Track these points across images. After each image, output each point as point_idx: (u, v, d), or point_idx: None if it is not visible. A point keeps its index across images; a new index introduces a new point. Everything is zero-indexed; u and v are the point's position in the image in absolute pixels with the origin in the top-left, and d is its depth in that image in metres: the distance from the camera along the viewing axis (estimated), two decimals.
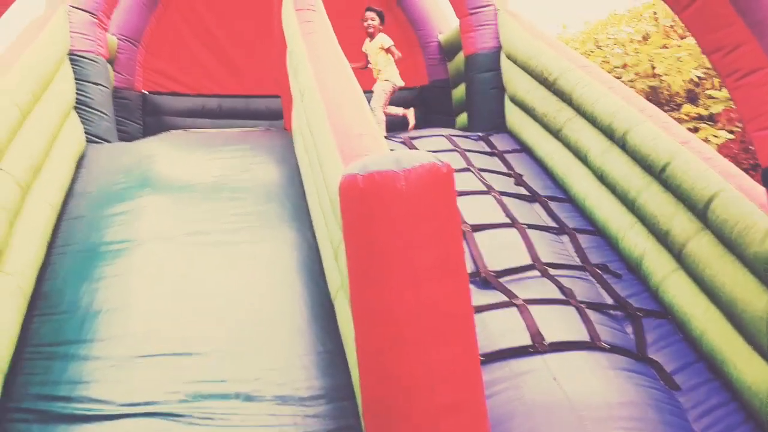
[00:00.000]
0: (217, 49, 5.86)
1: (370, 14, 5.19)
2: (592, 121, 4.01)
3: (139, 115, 5.56)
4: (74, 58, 4.61)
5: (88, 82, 4.67)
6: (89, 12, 4.73)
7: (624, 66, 7.51)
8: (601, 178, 3.91)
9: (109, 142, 4.74)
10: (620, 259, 3.67)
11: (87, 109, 4.64)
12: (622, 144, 3.70)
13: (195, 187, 3.89)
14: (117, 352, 2.69)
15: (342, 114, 2.83)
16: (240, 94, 5.92)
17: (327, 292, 3.07)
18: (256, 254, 3.32)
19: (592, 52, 8.14)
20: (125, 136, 5.20)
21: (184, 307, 2.94)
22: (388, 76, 5.16)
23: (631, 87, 7.19)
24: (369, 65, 5.19)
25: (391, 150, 4.30)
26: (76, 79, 4.60)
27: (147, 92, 5.67)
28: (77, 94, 4.61)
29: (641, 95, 7.03)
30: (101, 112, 4.74)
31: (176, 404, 2.45)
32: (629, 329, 3.18)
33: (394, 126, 5.53)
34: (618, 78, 7.31)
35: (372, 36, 5.21)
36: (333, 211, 2.54)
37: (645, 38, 7.74)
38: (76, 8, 4.69)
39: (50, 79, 4.09)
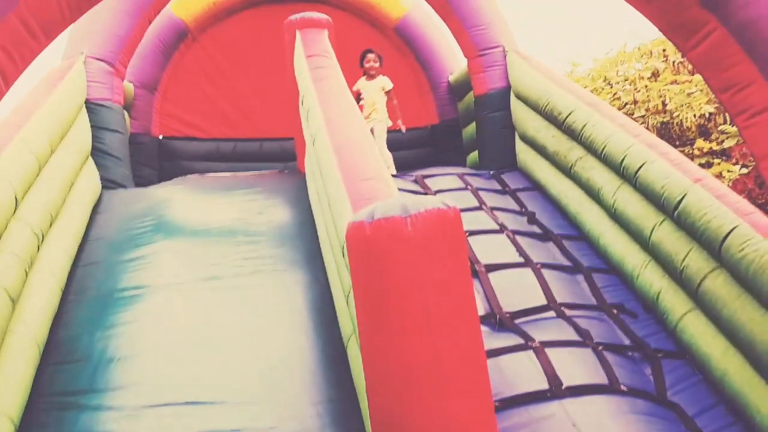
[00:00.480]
0: (231, 94, 5.99)
1: (372, 56, 5.37)
2: (603, 159, 4.01)
3: (155, 160, 5.65)
4: (91, 107, 4.72)
5: (105, 129, 4.77)
6: (106, 61, 4.86)
7: (635, 102, 7.54)
8: (615, 216, 3.88)
9: (125, 187, 4.80)
10: (636, 298, 3.61)
11: (103, 155, 4.73)
12: (634, 182, 3.69)
13: (210, 232, 3.91)
14: (130, 402, 2.67)
15: (352, 159, 2.85)
16: (254, 137, 6.01)
17: (340, 337, 3.04)
18: (270, 299, 3.32)
19: (602, 89, 8.19)
20: (141, 181, 5.28)
21: (198, 354, 2.92)
22: (384, 117, 5.31)
23: (642, 123, 7.20)
24: (360, 103, 5.30)
25: (400, 189, 4.32)
26: (92, 126, 4.70)
27: (163, 137, 5.78)
28: (94, 141, 4.71)
29: (652, 131, 7.05)
30: (117, 158, 4.82)
31: None
32: (648, 371, 3.11)
33: (407, 164, 5.57)
34: (629, 114, 7.34)
35: (372, 76, 5.37)
36: (343, 257, 2.54)
37: (655, 75, 7.78)
38: (94, 58, 4.82)
39: (68, 127, 4.19)
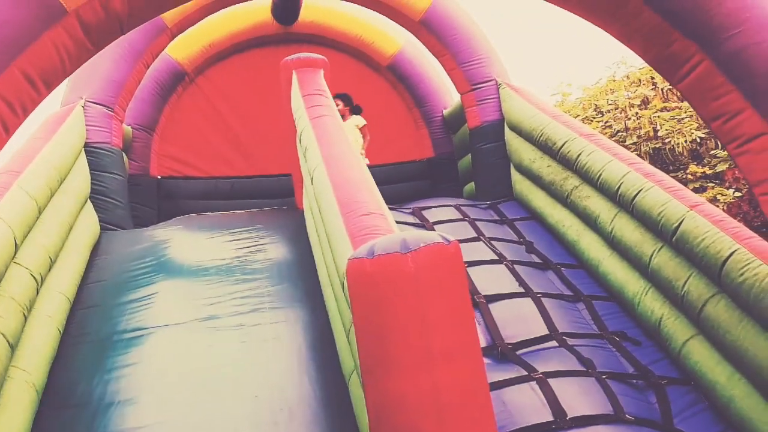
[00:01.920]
0: (228, 133, 6.06)
1: (335, 100, 5.52)
2: (599, 187, 4.04)
3: (154, 200, 5.68)
4: (90, 150, 4.78)
5: (104, 172, 4.81)
6: (105, 105, 4.93)
7: (626, 130, 7.64)
8: (613, 243, 3.90)
9: (123, 228, 4.82)
10: (638, 325, 3.60)
11: (102, 198, 4.77)
12: (631, 209, 3.71)
13: (208, 271, 3.91)
14: None
15: (350, 194, 2.87)
16: (251, 174, 6.05)
17: (341, 374, 3.02)
18: (269, 337, 3.30)
19: (593, 117, 8.30)
20: (140, 221, 5.30)
21: (198, 397, 2.90)
22: (361, 155, 5.42)
23: (635, 150, 7.29)
24: None
25: (398, 222, 4.33)
26: (91, 169, 4.74)
27: (161, 177, 5.82)
28: (93, 183, 4.74)
29: (645, 158, 7.13)
30: (116, 200, 4.85)
31: None
32: (653, 398, 3.08)
33: (404, 197, 5.60)
34: (621, 142, 7.43)
35: (344, 118, 5.45)
36: (343, 292, 2.54)
37: (645, 102, 7.91)
38: (93, 102, 4.89)
39: (66, 171, 4.22)
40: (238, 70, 6.09)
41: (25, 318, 3.08)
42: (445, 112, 6.23)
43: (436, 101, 6.27)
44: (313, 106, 4.14)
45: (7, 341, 2.80)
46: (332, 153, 3.43)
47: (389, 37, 6.21)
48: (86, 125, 4.80)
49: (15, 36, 1.71)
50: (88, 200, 4.64)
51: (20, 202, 3.38)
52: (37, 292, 3.32)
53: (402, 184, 6.06)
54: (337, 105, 5.38)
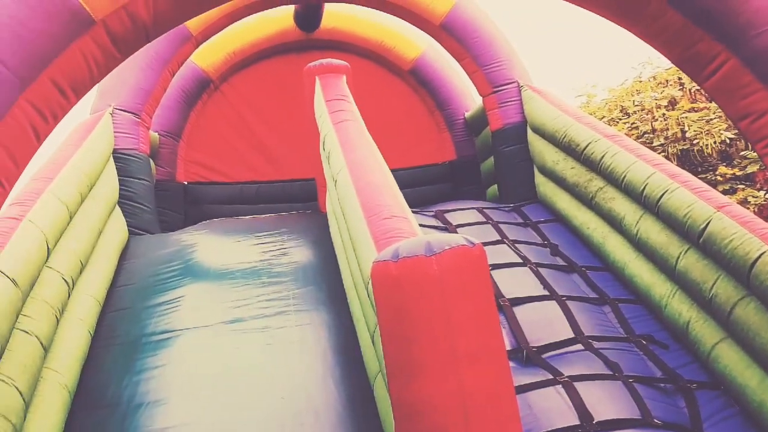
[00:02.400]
0: (253, 139, 6.13)
1: None
2: (624, 189, 4.00)
3: (181, 205, 5.77)
4: (118, 156, 4.88)
5: (132, 177, 4.91)
6: (132, 112, 5.04)
7: (653, 131, 7.54)
8: (638, 245, 3.85)
9: (151, 233, 4.91)
10: (665, 329, 3.55)
11: (130, 203, 4.86)
12: (656, 211, 3.67)
13: (234, 274, 3.97)
14: None
15: (373, 197, 2.89)
16: (276, 179, 6.12)
17: (366, 377, 3.04)
18: (294, 340, 3.33)
19: (620, 119, 8.20)
20: (167, 226, 5.39)
21: (225, 398, 2.94)
22: None
23: (662, 152, 7.18)
24: None
25: (421, 225, 4.36)
26: (120, 175, 4.84)
27: (187, 183, 5.91)
28: (121, 189, 4.84)
29: (672, 160, 7.02)
30: (144, 205, 4.94)
31: None
32: (681, 403, 3.03)
33: (426, 200, 5.60)
34: (648, 143, 7.33)
35: None
36: (368, 295, 2.55)
37: (672, 103, 7.79)
38: (121, 109, 5.00)
39: (96, 177, 4.32)
40: (261, 76, 6.16)
41: (58, 321, 3.16)
42: (467, 114, 6.23)
43: (457, 104, 6.26)
44: (336, 111, 4.17)
45: (41, 343, 2.87)
46: (355, 157, 3.46)
47: (410, 41, 6.23)
48: (114, 132, 4.90)
49: (45, 46, 1.77)
50: (117, 205, 4.74)
51: (52, 207, 3.47)
52: (69, 296, 3.41)
53: (424, 188, 6.06)
54: None
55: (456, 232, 4.37)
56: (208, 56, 5.93)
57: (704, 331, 3.25)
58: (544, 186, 5.01)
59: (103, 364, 3.29)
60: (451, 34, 5.43)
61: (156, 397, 2.98)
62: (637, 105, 8.11)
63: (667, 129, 7.39)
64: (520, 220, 4.77)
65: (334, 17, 6.13)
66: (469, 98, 6.30)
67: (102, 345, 3.44)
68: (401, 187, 3.09)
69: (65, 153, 4.05)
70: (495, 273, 3.78)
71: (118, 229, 4.58)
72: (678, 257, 3.46)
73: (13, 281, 2.74)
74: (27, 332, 2.80)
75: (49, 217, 3.37)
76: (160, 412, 2.89)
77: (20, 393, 2.56)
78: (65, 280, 3.36)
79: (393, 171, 3.33)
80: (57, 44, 1.78)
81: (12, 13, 1.72)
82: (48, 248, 3.25)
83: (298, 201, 5.87)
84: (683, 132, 7.28)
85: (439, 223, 4.67)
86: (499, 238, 4.33)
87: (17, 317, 2.75)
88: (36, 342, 2.83)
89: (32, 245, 3.07)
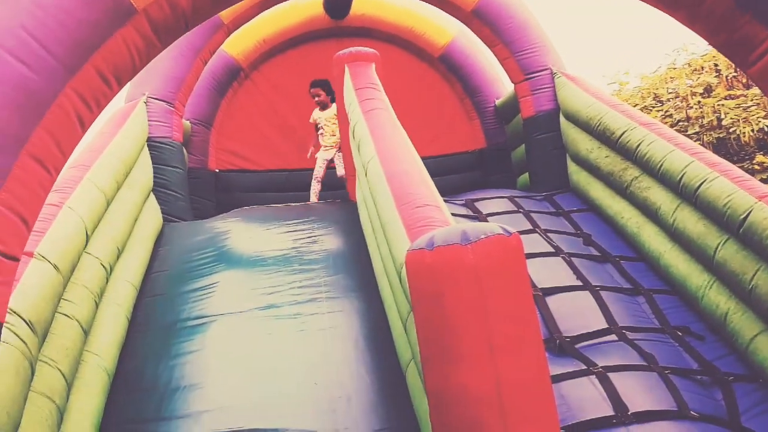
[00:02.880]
0: (282, 127, 6.16)
1: (314, 89, 5.52)
2: (660, 178, 3.92)
3: (212, 193, 5.84)
4: (152, 144, 4.95)
5: (165, 165, 4.98)
6: (166, 101, 5.10)
7: (687, 119, 7.37)
8: (674, 235, 3.78)
9: (184, 220, 4.98)
10: (701, 320, 3.49)
11: (164, 190, 4.93)
12: (694, 200, 3.59)
13: (266, 261, 4.01)
14: (196, 430, 2.74)
15: (404, 186, 2.89)
16: (305, 167, 6.14)
17: (398, 363, 3.05)
18: (326, 326, 3.36)
19: (653, 107, 8.03)
20: (199, 213, 5.46)
21: (259, 382, 2.98)
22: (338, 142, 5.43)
23: (697, 140, 7.02)
24: (320, 132, 5.51)
25: (452, 214, 4.32)
26: (154, 163, 4.91)
27: (219, 171, 5.97)
28: (155, 177, 4.92)
29: (708, 148, 6.86)
30: (177, 192, 5.02)
31: None
32: (718, 395, 2.98)
33: (455, 189, 5.56)
34: (682, 131, 7.16)
35: (324, 107, 5.51)
36: (400, 283, 2.56)
37: (707, 90, 7.59)
38: (155, 98, 5.07)
39: (131, 165, 4.39)
40: (291, 64, 6.18)
41: (97, 305, 3.23)
42: (498, 102, 6.16)
43: (488, 91, 6.20)
44: (366, 99, 4.17)
45: (81, 327, 2.94)
46: (386, 146, 3.45)
47: (440, 28, 6.18)
48: (149, 120, 4.97)
49: (90, 35, 1.79)
50: (152, 193, 4.82)
51: (90, 194, 3.54)
52: (107, 281, 3.48)
53: (454, 176, 6.04)
54: (318, 94, 5.49)
55: (486, 221, 4.34)
56: (239, 44, 5.97)
57: (743, 323, 3.19)
58: (578, 175, 4.94)
59: (140, 348, 3.36)
60: (482, 20, 5.37)
61: (192, 381, 3.04)
62: (671, 92, 7.93)
63: (703, 117, 7.22)
64: (553, 209, 4.72)
65: (364, 4, 6.10)
66: (500, 85, 6.23)
67: (138, 329, 3.51)
68: (431, 176, 3.08)
69: (102, 141, 4.12)
70: (527, 263, 3.72)
71: (153, 216, 4.66)
72: (716, 248, 3.38)
73: (55, 266, 2.80)
74: (68, 316, 2.87)
75: (87, 204, 3.44)
76: (196, 395, 2.95)
77: (63, 375, 2.63)
78: (103, 266, 3.44)
79: (422, 159, 3.32)
80: (101, 33, 1.80)
81: (57, 3, 1.75)
82: (87, 234, 3.32)
83: (327, 189, 5.89)
84: (719, 120, 7.10)
85: (470, 212, 4.64)
86: (531, 228, 4.29)
87: (59, 301, 2.82)
88: (77, 326, 2.90)
89: (72, 231, 3.14)
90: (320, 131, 5.54)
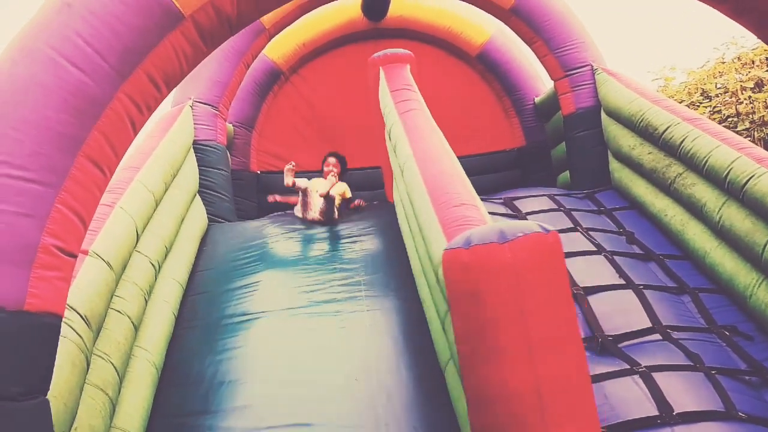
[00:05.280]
0: (321, 129, 6.25)
1: (333, 160, 5.21)
2: (705, 175, 3.83)
3: (254, 194, 5.97)
4: (198, 147, 5.10)
5: (210, 167, 5.12)
6: (210, 105, 5.25)
7: (737, 115, 7.14)
8: (721, 233, 3.69)
9: (229, 221, 5.11)
10: (749, 320, 3.39)
11: (209, 192, 5.07)
12: (741, 197, 3.50)
13: (307, 260, 4.09)
14: (241, 423, 2.82)
15: (441, 186, 2.90)
16: None
17: (436, 363, 3.07)
18: (366, 324, 3.41)
19: (700, 103, 7.81)
20: (241, 214, 5.59)
21: (301, 378, 3.05)
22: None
23: (747, 137, 6.80)
24: (306, 198, 4.85)
25: (490, 213, 4.31)
26: (199, 165, 5.06)
27: (260, 172, 6.10)
28: (201, 178, 5.06)
29: (759, 145, 6.64)
30: (222, 194, 5.15)
31: None
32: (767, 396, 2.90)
33: (493, 188, 5.51)
34: (732, 128, 6.95)
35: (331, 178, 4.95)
36: (438, 282, 2.58)
37: (758, 85, 7.34)
38: (200, 102, 5.21)
39: (178, 167, 4.54)
40: (330, 67, 6.26)
41: (146, 302, 3.36)
42: (537, 99, 6.11)
43: (527, 89, 6.15)
44: (401, 101, 4.20)
45: (132, 323, 3.06)
46: (422, 147, 3.47)
47: (478, 26, 6.16)
48: (194, 124, 5.12)
49: (140, 41, 1.88)
50: (197, 194, 4.96)
51: (140, 195, 3.67)
52: (155, 278, 3.61)
53: (492, 175, 6.01)
54: (335, 166, 5.10)
55: (526, 220, 4.31)
56: (279, 48, 6.08)
57: None
58: (619, 172, 4.86)
59: (186, 343, 3.47)
60: (521, 17, 5.33)
61: (236, 376, 3.12)
62: (719, 87, 7.69)
63: (753, 112, 6.98)
64: (594, 208, 4.65)
65: (401, 5, 6.13)
66: (539, 82, 6.18)
67: (185, 326, 3.63)
68: (468, 175, 3.09)
69: (150, 143, 4.27)
70: (568, 261, 3.64)
71: (198, 216, 4.79)
72: (765, 245, 3.29)
73: (108, 264, 2.93)
74: (120, 312, 2.99)
75: (137, 204, 3.58)
76: (240, 390, 3.03)
77: (115, 368, 2.74)
78: (152, 264, 3.56)
79: (460, 158, 3.33)
80: (150, 39, 1.89)
81: (109, 10, 1.84)
82: (137, 233, 3.45)
83: (365, 189, 5.94)
84: None
85: (509, 211, 4.62)
86: (572, 226, 4.24)
87: (112, 298, 2.95)
88: (128, 321, 3.02)
89: (123, 231, 3.27)
90: (306, 197, 4.85)
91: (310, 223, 4.78)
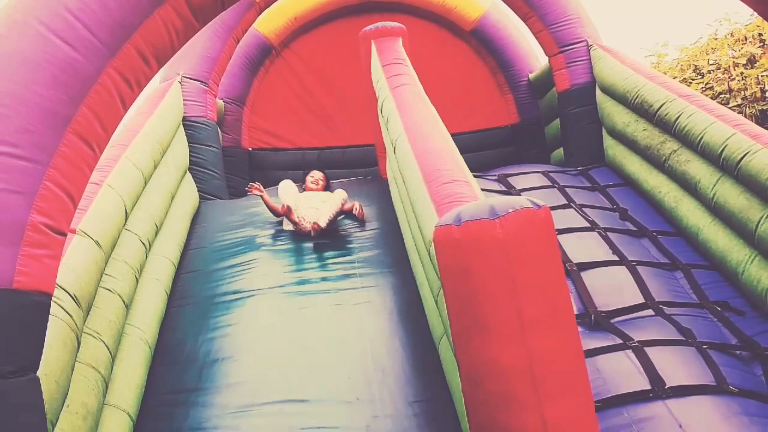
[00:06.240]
0: (314, 105, 6.17)
1: (319, 174, 4.67)
2: (700, 151, 3.83)
3: (246, 171, 5.91)
4: (188, 124, 5.02)
5: (201, 144, 5.05)
6: (200, 81, 5.16)
7: (729, 91, 7.12)
8: (714, 210, 3.70)
9: (220, 198, 5.06)
10: (741, 296, 3.42)
11: (200, 169, 5.01)
12: (735, 174, 3.50)
13: (301, 238, 4.05)
14: (234, 400, 2.82)
15: (433, 162, 2.88)
16: (336, 145, 6.16)
17: (431, 339, 3.08)
18: (361, 301, 3.40)
19: (693, 79, 7.79)
20: (233, 192, 5.54)
21: (295, 355, 3.04)
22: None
23: (739, 113, 6.79)
24: (293, 215, 4.02)
25: (483, 189, 4.26)
26: (189, 142, 4.99)
27: (252, 149, 6.04)
28: (191, 155, 5.00)
29: (751, 121, 6.63)
30: (213, 171, 5.09)
31: None
32: (758, 371, 2.93)
33: (487, 164, 5.50)
34: (724, 104, 6.94)
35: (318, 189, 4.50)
36: (430, 259, 2.57)
37: (751, 61, 7.32)
38: (189, 78, 5.12)
39: (168, 144, 4.47)
40: (321, 41, 6.17)
41: (137, 280, 3.33)
42: (531, 75, 6.06)
43: (521, 65, 6.10)
44: (393, 75, 4.14)
45: (123, 301, 3.04)
46: (413, 122, 3.43)
47: (472, 1, 6.07)
48: (184, 100, 5.04)
49: (130, 16, 1.83)
50: (188, 171, 4.90)
51: (128, 173, 3.62)
52: (146, 257, 3.58)
53: (487, 152, 5.99)
54: (322, 180, 4.55)
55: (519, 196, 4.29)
56: (270, 23, 5.97)
57: None
58: (614, 149, 4.85)
59: (179, 322, 3.45)
60: None
61: (229, 353, 3.12)
62: (712, 64, 7.66)
63: (746, 89, 6.97)
64: (588, 184, 4.65)
65: None
66: (534, 58, 6.12)
67: (177, 304, 3.61)
68: (462, 152, 3.06)
69: (139, 120, 4.20)
70: (562, 238, 3.71)
71: (189, 194, 4.74)
72: (759, 221, 3.30)
73: (97, 242, 2.89)
74: (110, 290, 2.96)
75: (125, 182, 3.52)
76: (234, 367, 3.03)
77: (107, 346, 2.72)
78: (142, 242, 3.53)
79: (453, 135, 3.30)
80: (140, 14, 1.83)
81: None
82: (126, 212, 3.41)
83: (358, 167, 5.91)
84: (763, 92, 6.84)
85: (502, 188, 4.61)
86: (566, 202, 4.24)
87: (101, 276, 2.92)
88: (119, 300, 3.00)
89: (112, 209, 3.22)
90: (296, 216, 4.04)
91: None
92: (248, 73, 5.96)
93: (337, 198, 4.16)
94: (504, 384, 1.97)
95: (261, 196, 4.13)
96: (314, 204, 4.19)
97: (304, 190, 4.59)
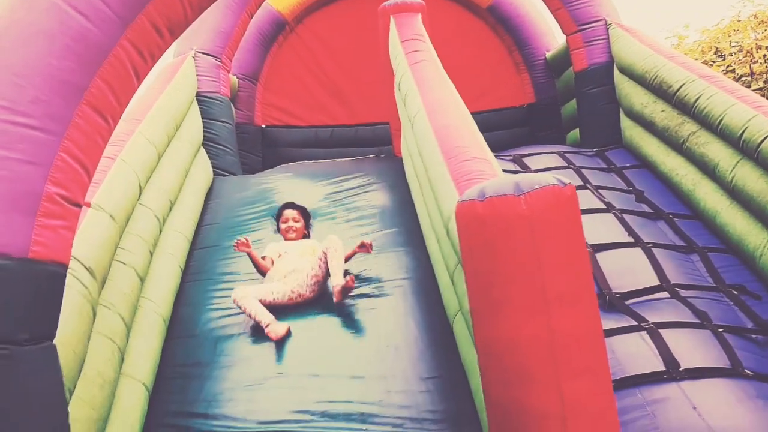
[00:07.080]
0: (327, 82, 6.13)
1: (291, 213, 3.72)
2: (720, 133, 3.76)
3: (259, 148, 5.90)
4: (201, 99, 5.00)
5: (214, 120, 5.04)
6: (213, 56, 5.13)
7: (751, 74, 6.98)
8: (733, 193, 3.64)
9: (234, 174, 5.06)
10: (759, 280, 3.38)
11: (214, 145, 5.01)
12: (756, 156, 3.43)
13: (314, 215, 4.05)
14: (247, 374, 2.84)
15: (452, 139, 2.85)
16: (350, 123, 6.13)
17: (444, 316, 3.07)
18: (374, 277, 3.40)
19: (714, 62, 7.63)
20: (246, 168, 5.54)
21: (306, 330, 3.06)
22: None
23: (762, 96, 6.66)
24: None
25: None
26: (203, 117, 4.97)
27: (265, 126, 6.02)
28: (204, 131, 4.99)
29: None
30: (226, 147, 5.09)
31: (305, 424, 2.54)
32: None
33: (503, 145, 5.44)
34: (745, 87, 6.80)
35: (295, 237, 3.65)
36: (448, 236, 2.55)
37: None
38: (203, 53, 5.10)
39: (181, 119, 4.46)
40: (336, 17, 6.10)
41: (151, 255, 3.35)
42: (548, 54, 5.96)
43: (538, 44, 6.00)
44: (412, 51, 4.09)
45: (138, 274, 3.06)
46: (433, 98, 3.40)
47: None
48: (197, 75, 5.02)
49: None
50: (202, 147, 4.90)
51: (142, 148, 3.62)
52: (160, 231, 3.59)
53: (502, 131, 5.92)
54: (296, 221, 3.63)
55: None
56: None
57: None
58: (631, 130, 4.77)
59: (193, 296, 3.47)
60: None
61: (244, 329, 3.14)
62: (734, 46, 7.50)
63: None
64: (604, 166, 4.59)
65: None
66: (551, 37, 6.02)
67: (192, 279, 3.63)
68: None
69: (152, 95, 4.19)
70: None
71: (203, 169, 4.74)
72: None
73: (111, 216, 2.90)
74: (125, 263, 2.98)
75: (139, 156, 3.52)
76: (248, 342, 3.05)
77: (122, 318, 2.75)
78: (156, 217, 3.54)
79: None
80: None
81: None
82: (140, 186, 3.41)
83: (372, 145, 5.88)
84: None
85: (518, 168, 4.57)
86: (582, 184, 4.19)
87: (116, 249, 2.93)
88: (133, 273, 3.02)
89: (126, 183, 3.23)
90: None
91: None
92: (262, 49, 5.92)
93: (330, 251, 3.19)
94: (524, 361, 1.96)
95: (249, 253, 3.40)
96: (288, 266, 3.31)
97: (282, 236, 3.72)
